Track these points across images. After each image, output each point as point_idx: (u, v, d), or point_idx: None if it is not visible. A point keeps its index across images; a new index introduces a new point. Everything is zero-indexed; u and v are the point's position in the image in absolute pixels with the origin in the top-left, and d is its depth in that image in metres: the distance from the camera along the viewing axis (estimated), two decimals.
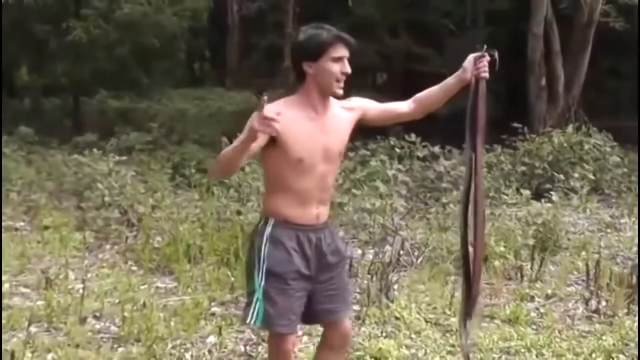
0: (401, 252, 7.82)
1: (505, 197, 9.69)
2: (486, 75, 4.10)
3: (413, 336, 5.99)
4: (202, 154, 13.27)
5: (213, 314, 6.45)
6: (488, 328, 6.20)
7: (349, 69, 3.82)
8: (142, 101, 22.86)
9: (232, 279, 7.19)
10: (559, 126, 13.00)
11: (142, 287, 7.13)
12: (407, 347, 5.75)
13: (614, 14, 15.88)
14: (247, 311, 3.90)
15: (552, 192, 10.00)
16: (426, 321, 6.30)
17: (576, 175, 10.66)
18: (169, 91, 24.29)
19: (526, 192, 9.43)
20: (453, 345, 5.84)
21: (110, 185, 9.78)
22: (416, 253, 8.04)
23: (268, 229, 3.86)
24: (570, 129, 12.13)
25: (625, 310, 6.50)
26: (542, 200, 9.64)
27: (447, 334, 6.06)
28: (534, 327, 6.24)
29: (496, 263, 7.58)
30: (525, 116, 14.58)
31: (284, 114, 3.55)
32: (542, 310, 6.62)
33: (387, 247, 7.90)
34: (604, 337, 5.97)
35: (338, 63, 3.79)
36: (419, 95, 4.26)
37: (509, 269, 7.50)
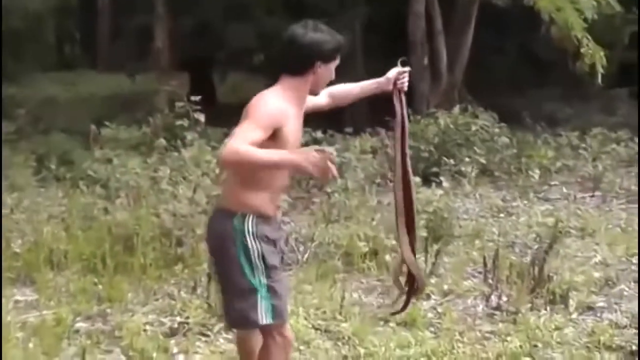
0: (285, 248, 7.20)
1: (392, 183, 9.14)
2: (406, 88, 4.48)
3: (302, 347, 5.41)
4: (70, 144, 12.33)
5: (77, 331, 5.74)
6: (383, 333, 5.66)
7: (334, 76, 4.04)
8: (10, 87, 21.55)
9: (100, 287, 6.49)
10: (443, 107, 12.54)
11: None
12: None
13: None
14: (254, 313, 3.90)
15: (441, 177, 9.56)
16: (315, 329, 5.74)
17: (466, 158, 10.23)
18: (38, 76, 23.05)
19: (415, 179, 8.87)
20: (346, 357, 5.28)
21: None
22: (301, 249, 7.44)
23: (249, 226, 3.87)
24: (456, 109, 11.70)
25: (529, 305, 6.06)
26: (432, 185, 9.16)
27: (339, 343, 5.51)
28: (433, 329, 5.78)
29: (387, 257, 7.04)
30: (409, 97, 14.01)
31: (286, 109, 3.79)
32: (439, 309, 6.14)
33: None
34: (508, 339, 5.54)
35: (333, 69, 3.98)
36: (335, 90, 4.45)
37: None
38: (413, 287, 4.60)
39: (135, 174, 8.35)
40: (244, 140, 3.59)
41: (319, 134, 10.27)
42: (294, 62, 3.89)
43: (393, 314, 5.42)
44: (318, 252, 7.34)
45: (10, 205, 8.29)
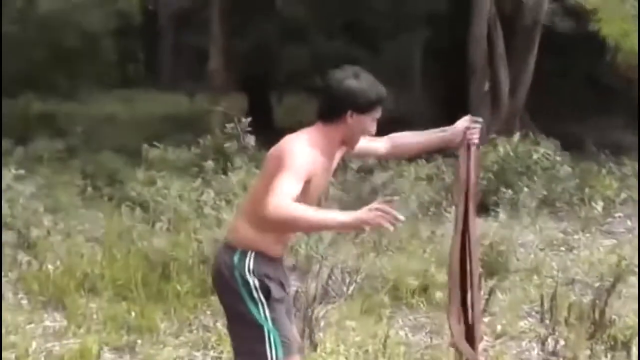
0: (329, 281, 6.83)
1: (448, 214, 8.73)
2: (477, 141, 4.09)
3: None
4: (119, 163, 12.10)
5: None
6: None
7: (374, 130, 3.77)
8: (67, 104, 21.56)
9: (132, 315, 6.17)
10: (504, 134, 12.06)
11: (28, 327, 6.10)
12: None
13: (560, 14, 15.17)
14: (263, 349, 3.68)
15: (498, 207, 9.12)
16: None
17: (524, 188, 9.77)
18: (98, 93, 23.06)
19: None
20: None
21: (10, 202, 8.63)
22: (347, 280, 7.05)
23: (250, 263, 3.69)
24: (517, 136, 11.23)
25: (588, 352, 5.57)
26: (489, 216, 8.72)
27: None
28: None
29: (438, 294, 6.62)
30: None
31: (318, 160, 3.60)
32: (492, 352, 5.66)
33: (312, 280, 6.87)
34: None
35: (373, 122, 3.72)
36: (397, 139, 4.18)
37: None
38: None
39: (178, 197, 8.05)
40: (288, 196, 3.39)
41: (371, 161, 9.89)
42: (326, 108, 3.69)
43: None
44: (364, 285, 6.95)
45: (47, 227, 8.01)
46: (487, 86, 14.75)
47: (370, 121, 3.70)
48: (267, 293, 3.69)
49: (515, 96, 14.48)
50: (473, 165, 4.09)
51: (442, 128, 4.15)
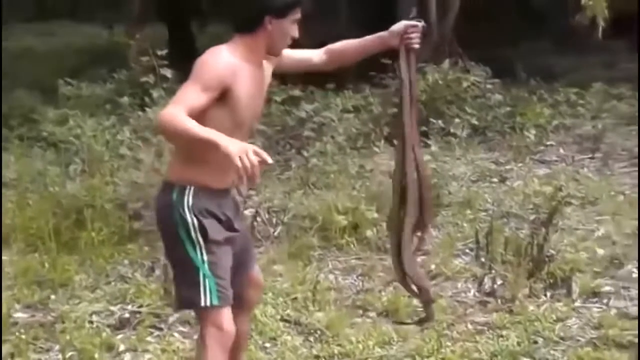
0: (255, 222, 6.48)
1: (377, 148, 8.39)
2: (417, 46, 3.91)
3: (267, 344, 4.76)
4: (32, 101, 11.48)
5: (15, 324, 5.03)
6: (362, 326, 4.97)
7: (297, 34, 3.60)
8: None
9: (45, 268, 5.77)
10: (432, 61, 11.69)
11: None
12: None
13: None
14: (196, 293, 3.51)
15: (428, 138, 8.81)
16: (284, 320, 5.05)
17: (455, 118, 9.48)
18: (15, 27, 22.15)
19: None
20: (318, 357, 4.59)
21: None
22: (274, 220, 6.72)
23: (188, 199, 3.52)
24: (446, 64, 10.87)
25: (527, 291, 5.33)
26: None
27: (310, 339, 4.83)
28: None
29: (369, 233, 6.32)
30: (395, 50, 13.21)
31: (237, 66, 3.42)
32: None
33: None
34: (504, 333, 4.83)
35: (294, 25, 3.57)
36: (333, 47, 4.03)
37: (383, 239, 6.19)
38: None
39: (92, 137, 7.57)
40: (184, 106, 3.24)
41: (297, 92, 9.51)
42: (243, 19, 3.54)
43: (415, 323, 4.74)
44: (292, 224, 6.62)
45: None
46: (414, 12, 14.37)
47: (290, 24, 3.55)
48: (204, 233, 3.51)
49: (444, 21, 14.09)
50: (412, 70, 3.93)
51: (378, 34, 3.95)
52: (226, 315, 3.57)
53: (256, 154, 3.09)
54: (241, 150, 3.08)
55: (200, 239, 3.51)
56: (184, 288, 3.61)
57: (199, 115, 3.30)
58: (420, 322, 4.54)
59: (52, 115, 8.93)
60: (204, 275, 3.50)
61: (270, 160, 3.14)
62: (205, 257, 3.51)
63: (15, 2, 20.22)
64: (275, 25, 3.49)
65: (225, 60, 3.41)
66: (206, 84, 3.33)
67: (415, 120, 4.00)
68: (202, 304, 3.51)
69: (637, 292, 5.35)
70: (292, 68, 3.98)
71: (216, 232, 3.54)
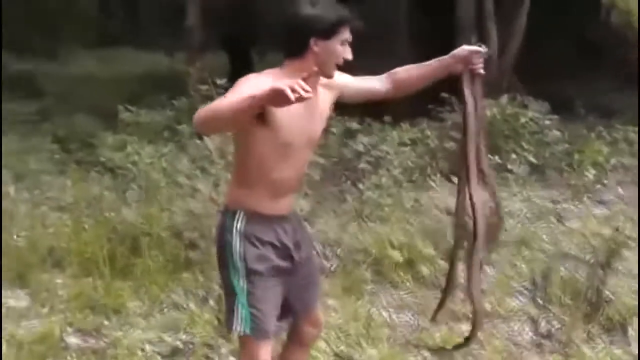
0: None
1: (433, 182, 8.35)
2: (483, 72, 3.78)
3: None
4: (93, 126, 11.62)
5: (67, 348, 5.06)
6: None
7: (350, 55, 3.50)
8: (46, 64, 20.97)
9: (99, 293, 5.80)
10: (491, 96, 11.63)
11: None
12: None
13: None
14: (232, 318, 3.54)
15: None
16: (337, 356, 5.00)
17: (512, 154, 9.41)
18: (78, 53, 22.48)
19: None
20: None
21: None
22: (328, 252, 6.70)
23: (238, 224, 3.53)
24: (504, 99, 10.81)
25: (583, 335, 5.24)
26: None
27: None
28: None
29: (424, 269, 6.27)
30: (454, 84, 13.13)
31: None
32: (480, 335, 5.29)
33: None
34: None
35: (344, 46, 3.49)
36: (396, 73, 3.92)
37: (439, 276, 6.14)
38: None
39: (150, 163, 7.62)
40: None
41: (354, 124, 9.51)
42: (289, 43, 3.49)
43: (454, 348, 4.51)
44: (346, 258, 6.58)
45: (12, 197, 7.59)
46: (474, 40, 14.31)
47: (338, 45, 3.47)
48: (246, 261, 3.51)
49: (503, 56, 14.05)
50: (479, 97, 3.76)
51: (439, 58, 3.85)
52: (262, 348, 3.56)
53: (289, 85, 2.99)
54: (275, 86, 3.00)
55: (241, 266, 3.51)
56: (225, 309, 3.65)
57: (243, 138, 3.41)
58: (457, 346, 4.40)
59: (111, 140, 9.03)
60: (240, 303, 3.51)
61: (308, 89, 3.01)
62: (243, 285, 3.51)
63: (77, 28, 20.56)
64: (322, 47, 3.43)
65: (258, 80, 3.35)
66: (232, 94, 3.27)
67: (483, 149, 3.82)
68: (234, 330, 3.54)
69: None
70: (355, 98, 3.90)
71: (259, 262, 3.52)
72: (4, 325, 5.36)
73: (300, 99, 2.98)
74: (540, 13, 14.59)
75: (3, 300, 5.81)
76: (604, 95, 14.67)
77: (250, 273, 3.50)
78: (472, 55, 3.79)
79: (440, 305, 4.12)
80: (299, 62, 3.45)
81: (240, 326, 3.52)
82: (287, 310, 3.73)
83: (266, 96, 3.03)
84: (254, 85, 3.25)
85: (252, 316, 3.50)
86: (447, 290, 4.06)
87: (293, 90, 2.96)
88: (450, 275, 4.06)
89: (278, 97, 2.99)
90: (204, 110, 3.21)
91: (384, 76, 3.94)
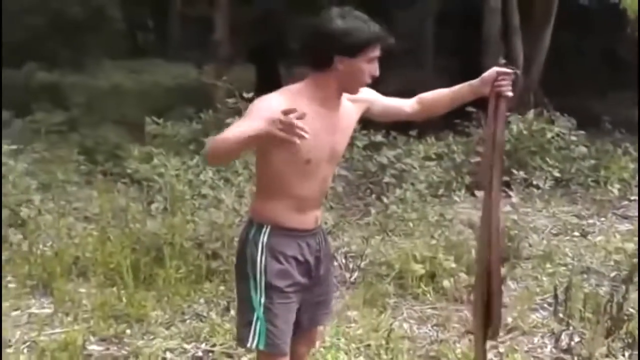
0: (332, 266, 6.47)
1: (457, 197, 8.35)
2: (510, 93, 3.67)
3: None
4: (119, 137, 11.74)
5: (90, 356, 5.10)
6: None
7: (378, 72, 3.39)
8: (73, 75, 21.14)
9: (122, 302, 5.84)
10: (517, 110, 11.63)
11: (14, 313, 5.80)
12: None
13: None
14: (246, 332, 3.48)
15: (510, 188, 8.73)
16: None
17: (538, 169, 9.40)
18: (106, 64, 22.61)
19: (480, 193, 8.06)
20: None
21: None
22: (351, 265, 6.71)
23: (263, 238, 3.46)
24: (531, 114, 10.81)
25: (604, 350, 5.21)
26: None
27: None
28: None
29: (446, 283, 6.26)
30: (480, 99, 13.06)
31: (291, 106, 3.07)
32: (502, 349, 5.30)
33: None
34: None
35: (372, 64, 3.37)
36: (425, 96, 3.88)
37: (461, 290, 6.16)
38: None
39: (175, 175, 7.68)
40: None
41: (379, 137, 9.53)
42: (312, 56, 3.36)
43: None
44: (368, 271, 6.60)
45: (37, 206, 7.65)
46: (501, 60, 14.33)
47: (365, 62, 3.34)
48: (267, 276, 3.43)
49: (530, 71, 14.04)
50: (501, 120, 3.68)
51: (468, 82, 3.77)
52: None
53: (285, 113, 2.95)
54: (269, 121, 2.97)
55: (263, 282, 3.44)
56: (239, 324, 3.58)
57: (262, 155, 3.38)
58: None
59: (137, 152, 9.11)
60: (258, 318, 3.44)
61: (306, 131, 2.96)
62: (263, 300, 3.44)
63: (104, 39, 20.70)
64: (347, 64, 3.30)
65: (275, 101, 3.25)
66: (247, 119, 3.20)
67: (499, 172, 3.73)
68: (249, 344, 3.48)
69: None
70: (381, 116, 3.81)
71: (280, 278, 3.45)
72: (26, 332, 5.42)
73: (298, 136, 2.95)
74: (566, 29, 14.58)
75: (26, 308, 5.88)
76: (631, 110, 14.58)
77: (268, 287, 3.44)
78: (499, 76, 3.69)
79: (486, 323, 3.98)
80: (321, 77, 3.36)
81: (255, 341, 3.45)
82: (295, 325, 3.63)
83: (265, 137, 3.01)
84: (266, 109, 3.16)
85: (268, 332, 3.45)
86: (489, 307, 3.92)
87: (289, 130, 2.93)
88: (490, 290, 3.93)
89: (276, 140, 2.99)
90: (213, 144, 3.15)
91: (413, 99, 3.88)
